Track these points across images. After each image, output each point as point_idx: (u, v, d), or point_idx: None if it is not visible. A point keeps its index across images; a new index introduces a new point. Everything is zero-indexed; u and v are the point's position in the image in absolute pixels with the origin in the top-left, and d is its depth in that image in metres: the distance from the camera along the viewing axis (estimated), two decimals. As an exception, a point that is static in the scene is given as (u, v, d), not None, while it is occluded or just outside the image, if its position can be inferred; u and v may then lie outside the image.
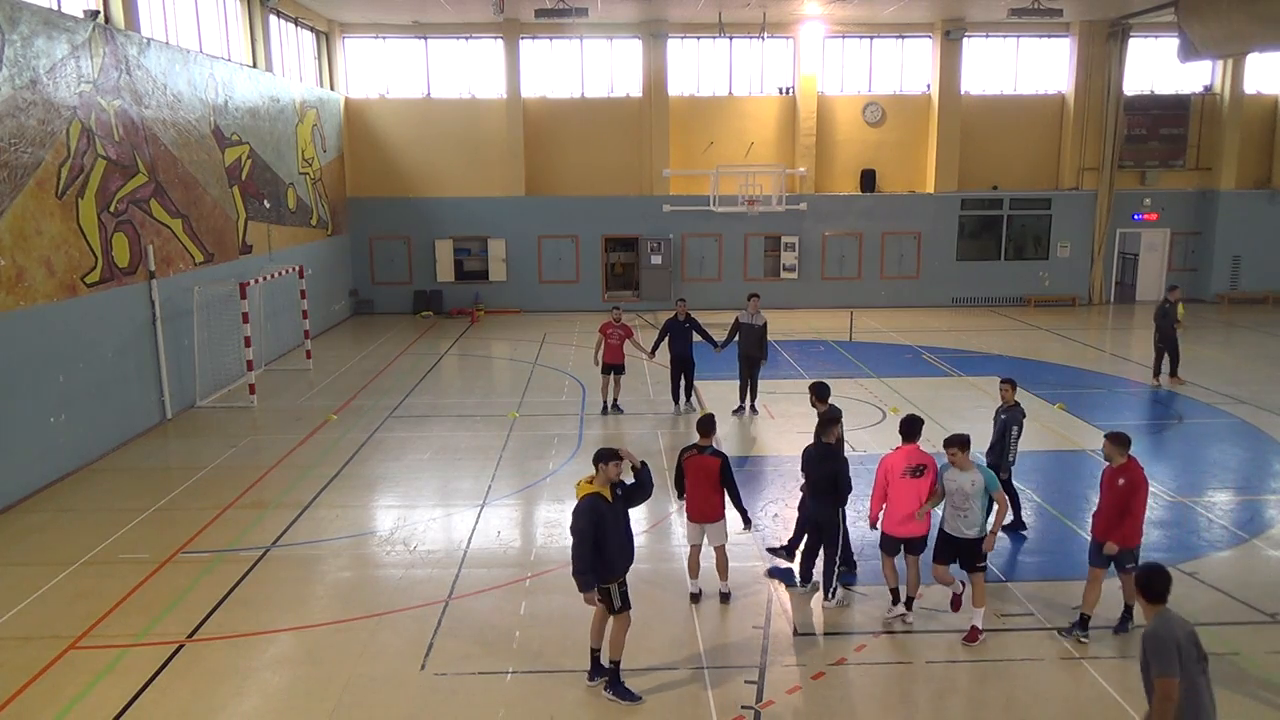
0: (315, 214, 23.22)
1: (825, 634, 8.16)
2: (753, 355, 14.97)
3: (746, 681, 7.32)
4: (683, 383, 15.47)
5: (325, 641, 8.05)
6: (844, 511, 8.50)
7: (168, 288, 15.23)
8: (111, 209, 13.79)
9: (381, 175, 26.31)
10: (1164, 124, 27.14)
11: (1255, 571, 9.36)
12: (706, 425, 8.60)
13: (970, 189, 26.91)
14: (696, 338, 15.18)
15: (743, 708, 6.98)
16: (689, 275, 26.70)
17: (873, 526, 8.34)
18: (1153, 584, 5.16)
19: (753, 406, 15.32)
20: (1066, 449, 13.29)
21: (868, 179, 26.74)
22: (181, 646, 7.93)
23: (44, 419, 12.08)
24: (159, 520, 10.85)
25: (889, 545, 8.20)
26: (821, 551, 8.63)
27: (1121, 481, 7.65)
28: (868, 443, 13.55)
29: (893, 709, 7.02)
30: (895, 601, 8.30)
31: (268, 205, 19.91)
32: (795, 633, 8.15)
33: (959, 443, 7.93)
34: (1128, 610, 8.04)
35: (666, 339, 15.16)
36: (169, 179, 15.58)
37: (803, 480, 8.81)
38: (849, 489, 8.40)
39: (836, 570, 8.58)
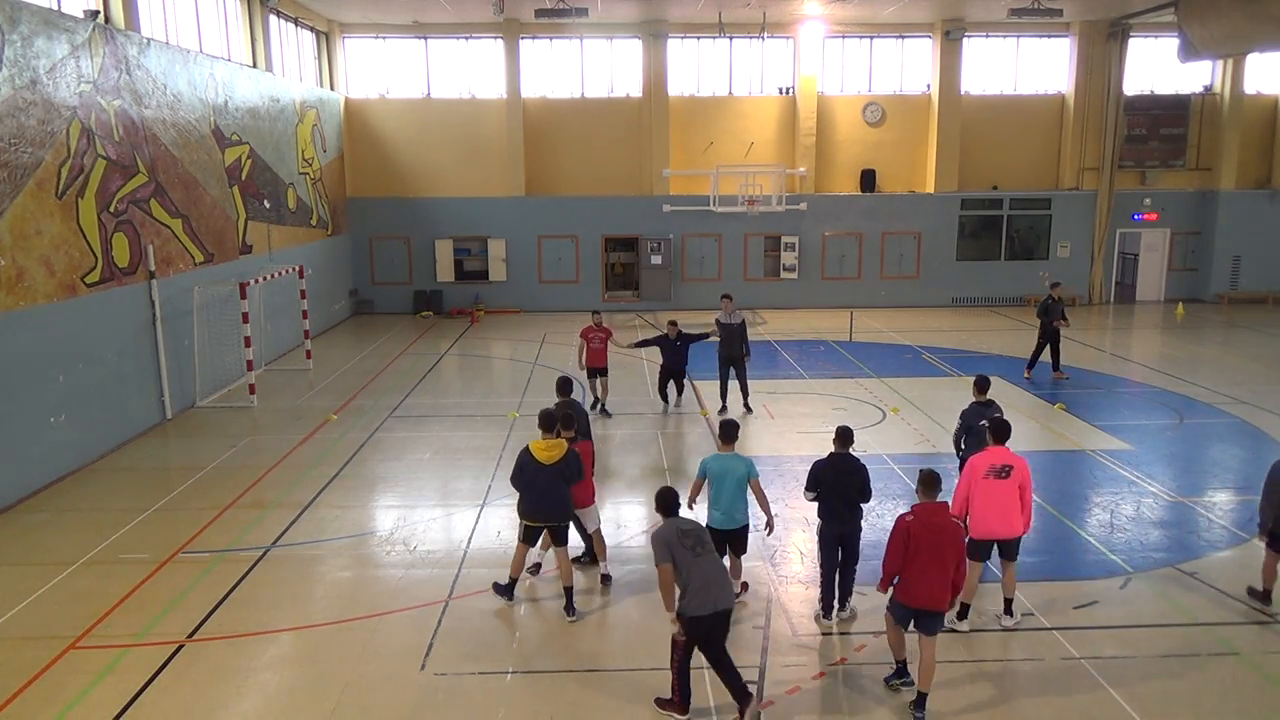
0: (315, 214, 23.22)
1: (825, 634, 8.16)
2: (734, 355, 15.06)
3: (746, 681, 7.31)
4: (672, 387, 15.61)
5: (325, 641, 8.05)
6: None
7: (168, 288, 15.23)
8: (111, 209, 13.79)
9: (381, 175, 26.31)
10: (1164, 124, 27.13)
11: (1255, 572, 9.32)
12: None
13: (970, 189, 26.91)
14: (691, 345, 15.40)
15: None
16: (689, 275, 26.71)
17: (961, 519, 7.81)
18: (664, 500, 6.94)
19: (746, 405, 15.35)
20: (1066, 449, 13.29)
21: (868, 179, 26.74)
22: (181, 646, 7.93)
23: (44, 419, 12.08)
24: (159, 520, 10.84)
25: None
26: (840, 565, 8.25)
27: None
28: (868, 443, 13.55)
29: (893, 709, 7.01)
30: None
31: (268, 205, 19.91)
32: (795, 633, 8.14)
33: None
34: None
35: (654, 348, 15.51)
36: (169, 179, 15.58)
37: (812, 495, 8.15)
38: (869, 496, 8.17)
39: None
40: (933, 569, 6.73)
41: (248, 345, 16.43)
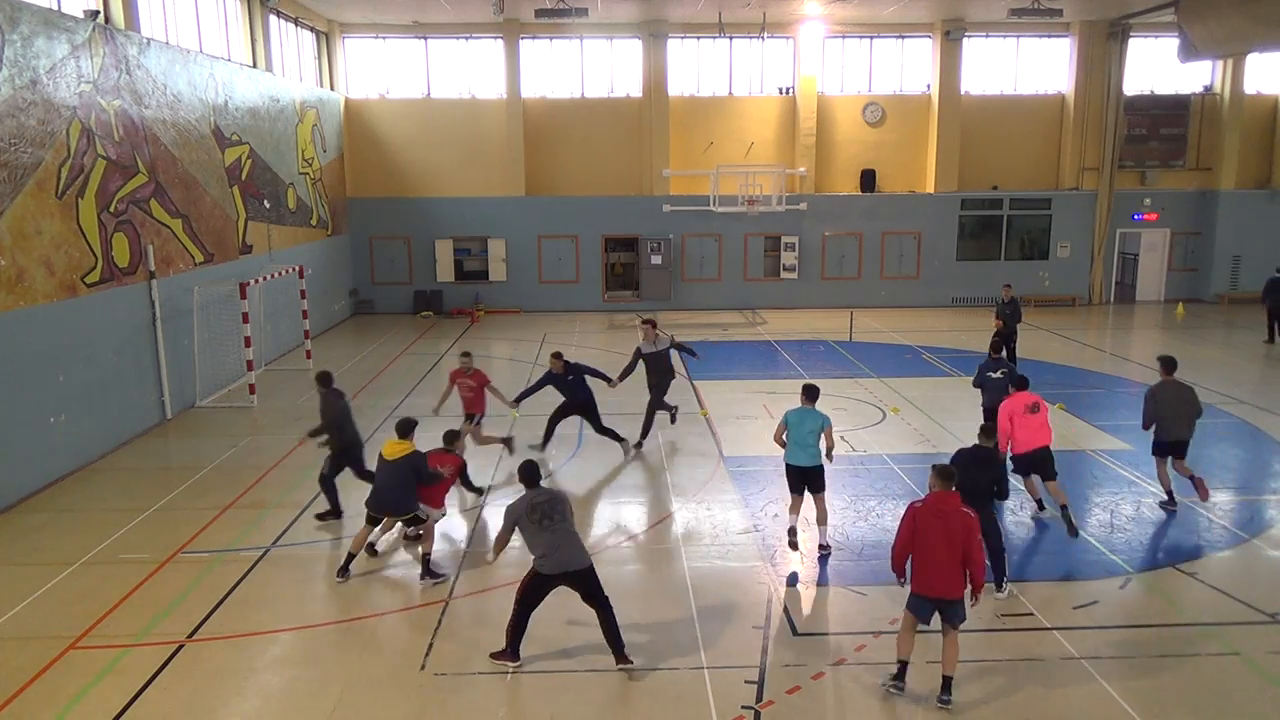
0: (315, 214, 23.22)
1: (825, 634, 8.16)
2: (663, 384, 13.29)
3: (746, 681, 7.32)
4: (584, 425, 13.20)
5: (325, 641, 8.05)
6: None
7: (168, 288, 15.23)
8: (111, 209, 13.79)
9: (381, 175, 26.31)
10: (1164, 124, 27.14)
11: (1255, 571, 9.36)
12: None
13: (970, 189, 26.91)
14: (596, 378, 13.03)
15: (743, 708, 6.98)
16: (689, 275, 26.71)
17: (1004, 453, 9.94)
18: (525, 472, 7.59)
19: (638, 444, 13.19)
20: (1066, 449, 13.25)
21: (868, 179, 26.74)
22: (181, 646, 7.93)
23: (44, 419, 12.08)
24: (159, 520, 10.85)
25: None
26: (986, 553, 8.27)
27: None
28: (868, 443, 13.55)
29: (893, 709, 7.01)
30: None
31: (268, 205, 19.91)
32: (795, 633, 8.14)
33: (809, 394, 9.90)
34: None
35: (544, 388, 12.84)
36: (169, 179, 15.58)
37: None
38: (1006, 495, 8.81)
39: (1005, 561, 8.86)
40: (942, 555, 6.81)
41: (248, 345, 16.43)
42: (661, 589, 9.01)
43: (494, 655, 7.60)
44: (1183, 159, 27.33)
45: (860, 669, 7.54)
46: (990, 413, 11.66)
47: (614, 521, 10.85)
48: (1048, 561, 9.68)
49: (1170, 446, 10.80)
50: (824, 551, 9.70)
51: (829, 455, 9.80)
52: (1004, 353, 17.41)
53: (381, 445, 9.31)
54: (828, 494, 9.92)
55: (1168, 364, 11.05)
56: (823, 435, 9.67)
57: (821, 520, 9.82)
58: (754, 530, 10.37)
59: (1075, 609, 8.50)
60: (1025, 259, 27.20)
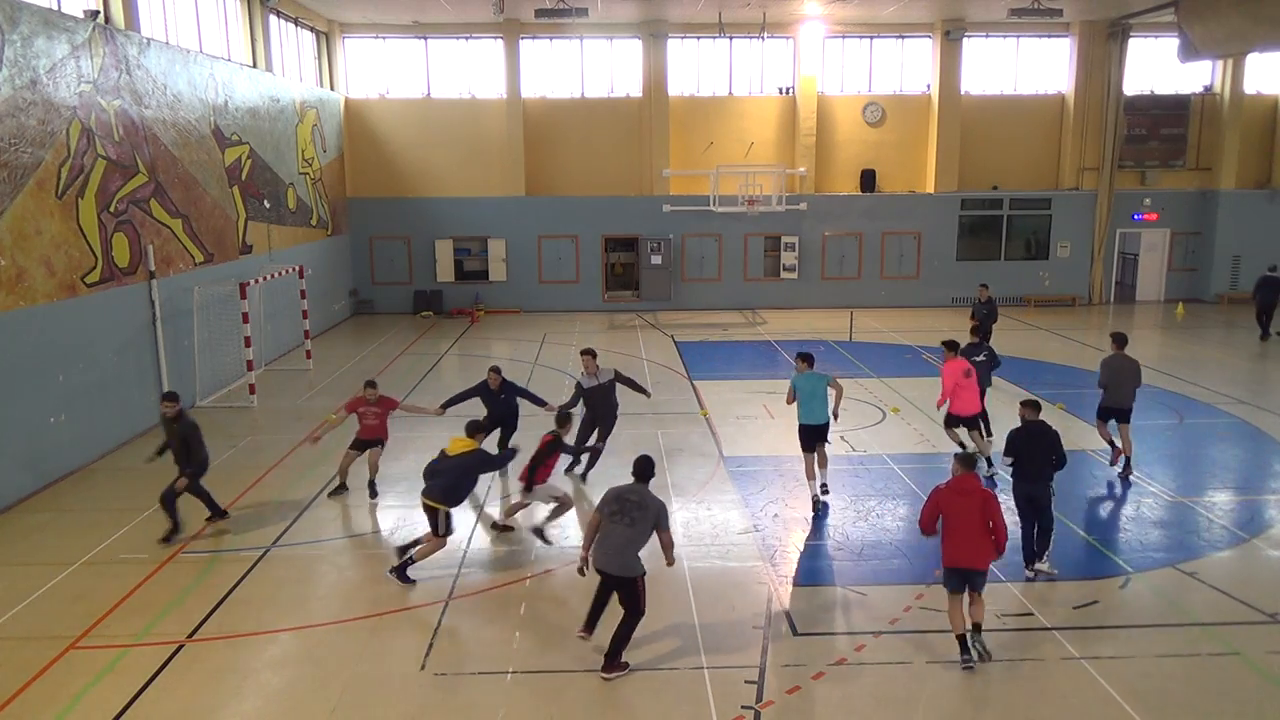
0: (315, 214, 23.22)
1: (825, 634, 8.16)
2: (603, 423, 12.32)
3: (746, 681, 7.32)
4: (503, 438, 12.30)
5: (325, 641, 8.05)
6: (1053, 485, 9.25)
7: (168, 288, 15.23)
8: (111, 209, 13.79)
9: (381, 175, 26.31)
10: (1164, 124, 27.15)
11: (1255, 571, 9.36)
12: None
13: (970, 189, 26.91)
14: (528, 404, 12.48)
15: (743, 708, 6.98)
16: (689, 275, 26.71)
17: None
18: (638, 465, 7.64)
19: (583, 474, 12.31)
20: (1066, 449, 13.20)
21: (868, 179, 26.74)
22: (181, 646, 7.93)
23: (44, 419, 12.08)
24: (159, 520, 10.81)
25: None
26: (1037, 526, 9.17)
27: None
28: (868, 443, 13.55)
29: (893, 709, 7.01)
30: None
31: (268, 205, 19.91)
32: (795, 633, 8.15)
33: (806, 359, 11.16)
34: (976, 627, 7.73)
35: (470, 400, 12.14)
36: (169, 179, 15.58)
37: (1009, 460, 9.27)
38: (1064, 462, 9.19)
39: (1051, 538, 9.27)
40: (966, 529, 7.47)
41: (248, 345, 16.43)
42: (661, 589, 9.01)
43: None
44: (1183, 159, 27.33)
45: (860, 669, 7.54)
46: (983, 395, 12.49)
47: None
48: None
49: (1113, 411, 11.92)
50: (825, 492, 11.04)
51: (838, 409, 11.16)
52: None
53: (447, 442, 9.50)
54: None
55: (1118, 339, 12.33)
56: (831, 392, 11.04)
57: (822, 464, 11.12)
58: (754, 530, 10.38)
59: (1075, 609, 8.50)
60: (1025, 259, 27.20)
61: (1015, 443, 9.21)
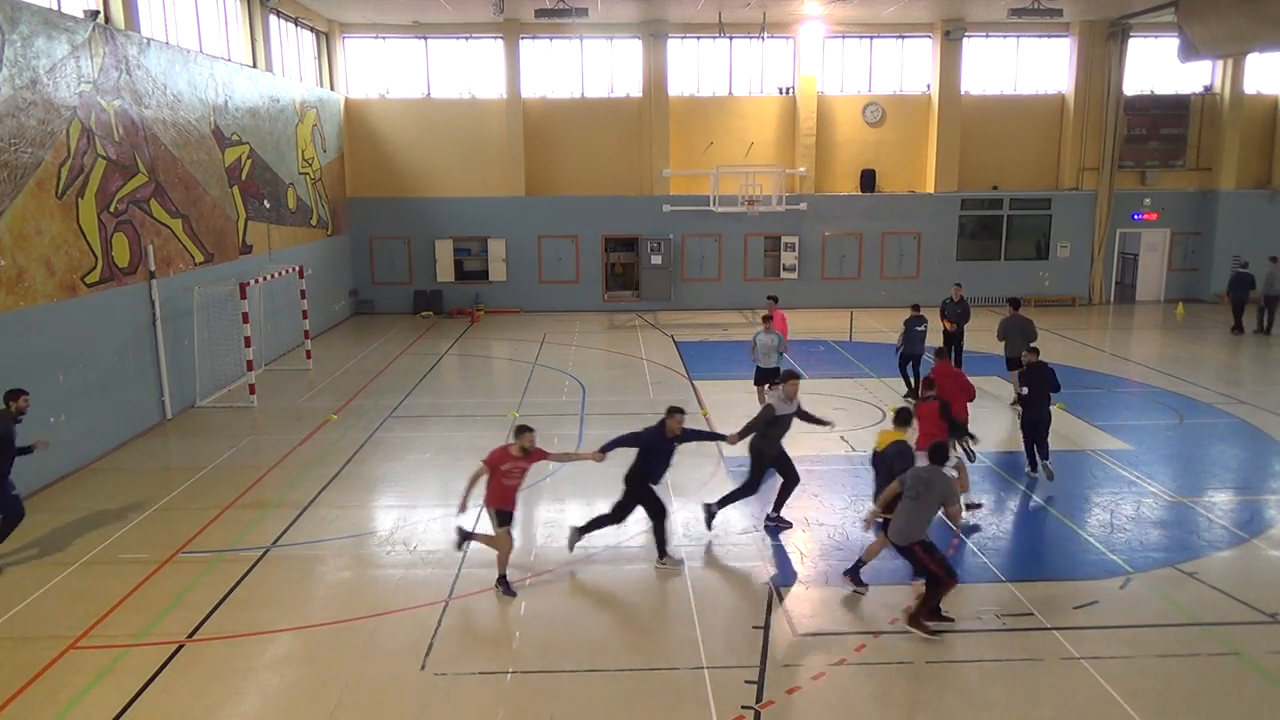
0: (315, 214, 23.22)
1: (825, 634, 8.16)
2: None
3: (746, 681, 7.32)
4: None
5: (325, 641, 8.05)
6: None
7: (168, 288, 15.23)
8: (111, 209, 13.79)
9: (381, 175, 26.31)
10: (1164, 124, 27.14)
11: (1255, 571, 9.36)
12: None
13: (970, 189, 26.91)
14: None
15: (743, 708, 6.98)
16: (689, 275, 26.71)
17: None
18: (933, 449, 8.41)
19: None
20: (1066, 449, 13.28)
21: (868, 179, 26.74)
22: (181, 646, 7.93)
23: (44, 419, 12.06)
24: (159, 520, 10.85)
25: None
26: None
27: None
28: (868, 442, 13.53)
29: (893, 709, 7.01)
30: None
31: (268, 205, 19.91)
32: (795, 633, 8.15)
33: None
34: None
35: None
36: (169, 179, 15.58)
37: (1025, 390, 11.72)
38: (1058, 385, 11.70)
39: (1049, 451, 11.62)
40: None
41: (248, 345, 16.43)
42: (662, 589, 9.01)
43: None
44: (1183, 159, 27.32)
45: (860, 669, 7.54)
46: (916, 359, 15.85)
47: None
48: (1048, 561, 9.67)
49: (1014, 362, 14.39)
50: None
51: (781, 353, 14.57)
52: (952, 353, 17.22)
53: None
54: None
55: (1013, 302, 15.99)
56: (781, 348, 14.55)
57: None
58: (754, 530, 10.37)
59: (1075, 609, 8.50)
60: (1025, 259, 27.20)
61: (1030, 377, 11.70)
